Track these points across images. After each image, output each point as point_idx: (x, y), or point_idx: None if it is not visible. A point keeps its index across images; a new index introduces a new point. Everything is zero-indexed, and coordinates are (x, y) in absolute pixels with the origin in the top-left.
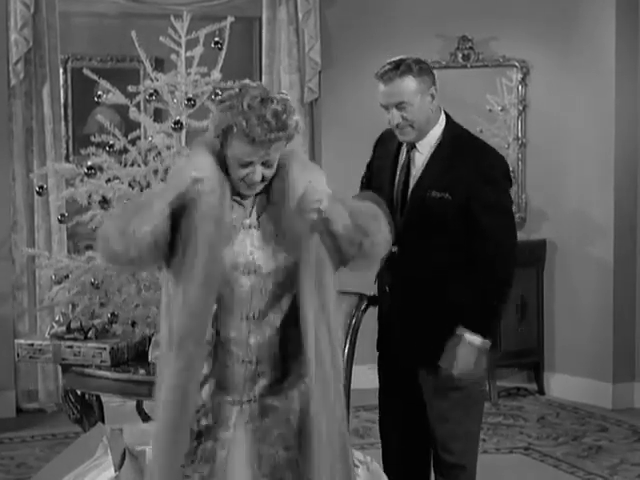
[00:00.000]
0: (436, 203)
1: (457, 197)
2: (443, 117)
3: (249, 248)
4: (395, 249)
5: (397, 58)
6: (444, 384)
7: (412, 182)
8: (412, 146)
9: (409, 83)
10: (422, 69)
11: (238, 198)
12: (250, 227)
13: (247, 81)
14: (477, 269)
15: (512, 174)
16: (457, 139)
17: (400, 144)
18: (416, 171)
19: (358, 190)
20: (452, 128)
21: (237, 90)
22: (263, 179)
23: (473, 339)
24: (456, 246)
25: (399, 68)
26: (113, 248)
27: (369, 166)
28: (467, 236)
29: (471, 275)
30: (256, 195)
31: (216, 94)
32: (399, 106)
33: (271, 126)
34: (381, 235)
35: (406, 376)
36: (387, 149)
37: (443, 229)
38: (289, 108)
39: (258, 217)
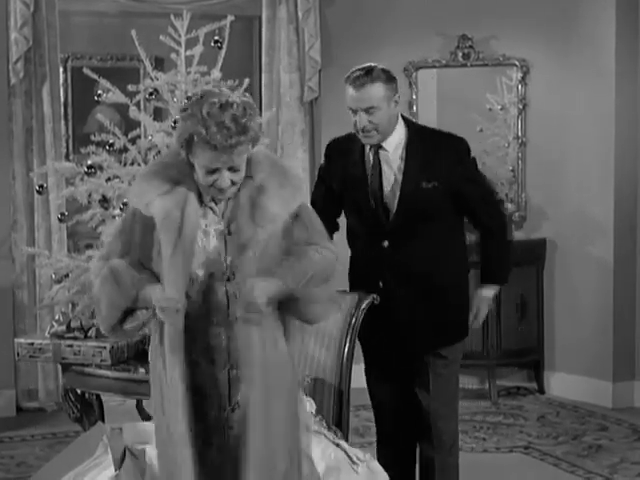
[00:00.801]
0: (428, 192)
1: (443, 183)
2: (400, 118)
3: (223, 255)
4: (386, 244)
5: (366, 65)
6: (439, 363)
7: (391, 179)
8: (378, 147)
9: (379, 89)
10: (390, 77)
11: (212, 204)
12: (222, 233)
13: (210, 87)
14: (479, 232)
15: (512, 173)
16: (422, 133)
17: (362, 148)
18: (393, 168)
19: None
20: (413, 125)
21: (198, 97)
22: (233, 183)
23: (490, 293)
24: (445, 231)
25: (370, 75)
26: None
27: (323, 177)
28: (459, 214)
29: (481, 242)
30: (228, 199)
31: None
32: (368, 110)
33: (231, 131)
34: (322, 304)
35: (400, 363)
36: (349, 156)
37: (434, 217)
38: (250, 111)
39: (228, 224)
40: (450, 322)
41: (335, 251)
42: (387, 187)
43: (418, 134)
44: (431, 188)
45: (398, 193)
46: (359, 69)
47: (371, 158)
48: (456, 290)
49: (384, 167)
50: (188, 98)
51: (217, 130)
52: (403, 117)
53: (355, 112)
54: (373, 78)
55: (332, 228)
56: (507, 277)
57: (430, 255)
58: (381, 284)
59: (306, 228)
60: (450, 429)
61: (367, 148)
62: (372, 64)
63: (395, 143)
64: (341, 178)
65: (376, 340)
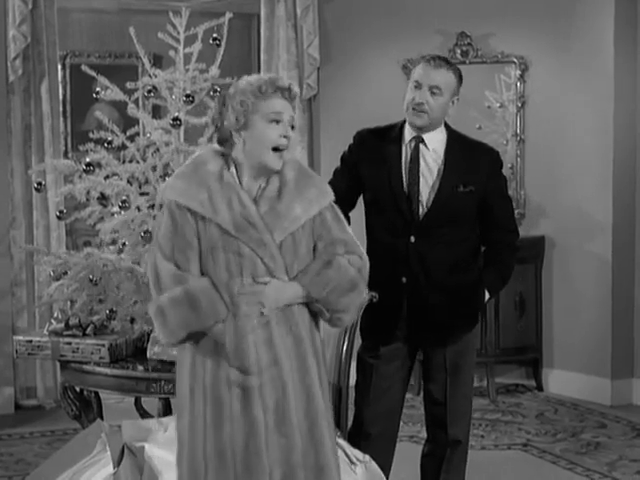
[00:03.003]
0: (464, 196)
1: (478, 190)
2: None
3: None
4: (413, 239)
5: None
6: (457, 360)
7: (428, 177)
8: (419, 141)
9: (451, 77)
10: (461, 76)
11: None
12: None
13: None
14: (491, 243)
15: (510, 170)
16: (461, 140)
17: (400, 141)
18: (431, 168)
19: (333, 179)
20: (452, 131)
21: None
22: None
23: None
24: (468, 232)
25: (448, 63)
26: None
27: (349, 166)
28: (483, 223)
29: (492, 254)
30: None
31: (214, 90)
32: (433, 89)
33: (289, 83)
34: (350, 312)
35: (411, 359)
36: (385, 147)
37: (465, 219)
38: None
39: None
40: (466, 314)
41: (364, 256)
42: (423, 183)
43: (457, 140)
44: (467, 192)
45: (434, 193)
46: (437, 55)
47: (409, 152)
48: (472, 285)
49: (422, 162)
50: (187, 96)
51: (278, 77)
52: (444, 121)
53: (419, 87)
54: (450, 66)
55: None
56: (498, 291)
57: (453, 253)
58: (404, 280)
59: (330, 229)
60: (466, 430)
61: (405, 140)
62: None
63: (436, 143)
64: (373, 168)
65: (396, 330)
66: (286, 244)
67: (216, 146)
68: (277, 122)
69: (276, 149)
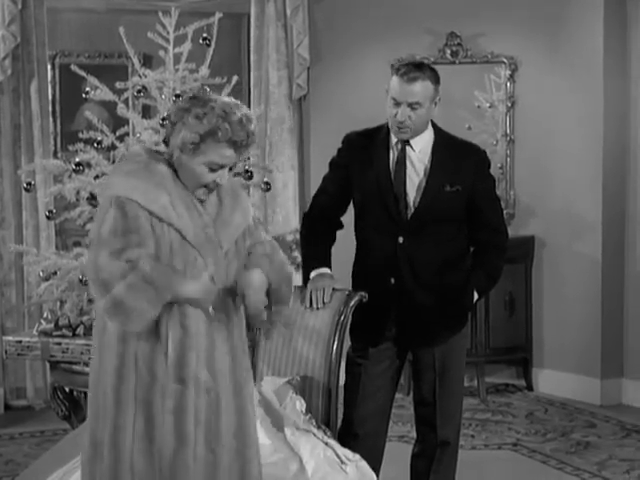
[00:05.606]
0: (450, 196)
1: (465, 189)
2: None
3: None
4: (401, 240)
5: (416, 60)
6: (446, 361)
7: (415, 178)
8: (405, 143)
9: (428, 87)
10: (437, 78)
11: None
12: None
13: (196, 89)
14: (480, 244)
15: (500, 170)
16: (448, 139)
17: (387, 143)
18: (418, 169)
19: (321, 186)
20: (439, 131)
21: (198, 97)
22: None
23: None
24: (455, 231)
25: (422, 70)
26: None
27: (340, 169)
28: (471, 223)
29: (480, 255)
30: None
31: (204, 90)
32: (412, 105)
33: (249, 130)
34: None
35: (401, 359)
36: (373, 150)
37: (452, 218)
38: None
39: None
40: (455, 315)
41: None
42: (409, 184)
43: (444, 139)
44: (454, 191)
45: (421, 193)
46: (410, 63)
47: (396, 154)
48: (461, 285)
49: (408, 164)
50: (177, 96)
51: (240, 127)
52: (431, 121)
53: (398, 104)
54: (425, 75)
55: (339, 224)
56: (486, 292)
57: (447, 254)
58: (393, 280)
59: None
60: (457, 430)
61: (392, 142)
62: (421, 60)
63: (422, 144)
64: (362, 170)
65: (386, 331)
66: (231, 253)
67: (147, 146)
68: (215, 170)
69: (206, 186)
